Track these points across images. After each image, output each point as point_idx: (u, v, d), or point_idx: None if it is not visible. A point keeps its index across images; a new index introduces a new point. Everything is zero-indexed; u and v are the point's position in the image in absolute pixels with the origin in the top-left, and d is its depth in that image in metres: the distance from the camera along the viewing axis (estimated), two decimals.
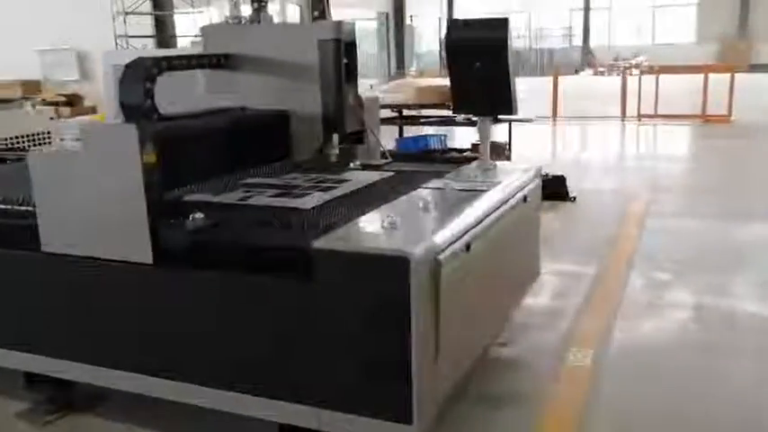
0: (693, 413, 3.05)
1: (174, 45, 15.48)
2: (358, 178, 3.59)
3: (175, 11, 15.91)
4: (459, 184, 3.27)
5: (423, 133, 7.89)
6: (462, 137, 9.05)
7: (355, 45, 3.48)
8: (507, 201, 3.24)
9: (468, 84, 4.32)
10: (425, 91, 6.80)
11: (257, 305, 2.54)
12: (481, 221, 2.87)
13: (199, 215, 2.83)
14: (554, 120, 13.95)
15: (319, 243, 2.38)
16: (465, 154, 7.17)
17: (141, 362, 2.79)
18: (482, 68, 4.20)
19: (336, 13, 4.43)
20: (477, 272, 2.86)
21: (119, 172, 2.62)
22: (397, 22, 30.53)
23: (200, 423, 2.89)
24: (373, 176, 3.67)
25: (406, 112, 7.49)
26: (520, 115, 5.06)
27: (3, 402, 3.19)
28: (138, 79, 3.01)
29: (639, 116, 13.23)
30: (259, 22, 3.61)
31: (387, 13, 30.24)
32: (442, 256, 2.46)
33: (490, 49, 4.15)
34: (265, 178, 3.55)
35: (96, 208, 2.70)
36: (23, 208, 3.01)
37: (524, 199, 3.49)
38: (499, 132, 7.61)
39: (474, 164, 4.02)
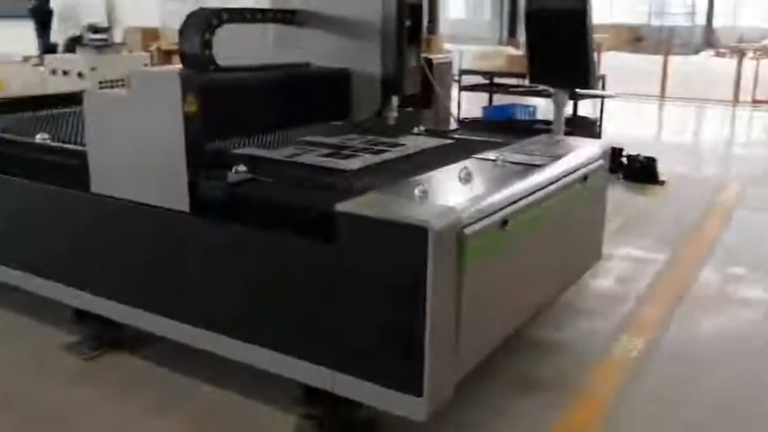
0: (739, 412, 2.87)
1: None
2: (414, 143, 3.53)
3: None
4: (515, 157, 3.14)
5: (525, 103, 7.65)
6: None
7: (421, 7, 3.37)
8: (561, 178, 3.08)
9: (545, 53, 4.16)
10: (516, 60, 6.58)
11: (284, 263, 2.54)
12: (524, 197, 2.75)
13: (242, 168, 2.86)
14: (661, 100, 13.27)
15: (343, 206, 2.34)
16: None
17: (177, 309, 2.86)
18: (559, 38, 4.03)
19: None
20: (516, 250, 2.75)
21: (161, 119, 2.65)
22: None
23: (238, 376, 2.91)
24: (430, 142, 3.59)
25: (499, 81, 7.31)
26: (612, 91, 4.82)
27: (51, 333, 3.35)
28: (196, 30, 3.04)
29: (754, 101, 12.37)
30: None
31: None
32: (469, 230, 2.37)
33: (568, 18, 3.97)
34: (322, 137, 3.55)
35: (139, 153, 2.76)
36: (78, 148, 3.13)
37: (584, 178, 3.31)
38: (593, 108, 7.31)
39: (542, 137, 3.86)
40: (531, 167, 3.01)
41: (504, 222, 2.59)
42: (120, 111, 2.79)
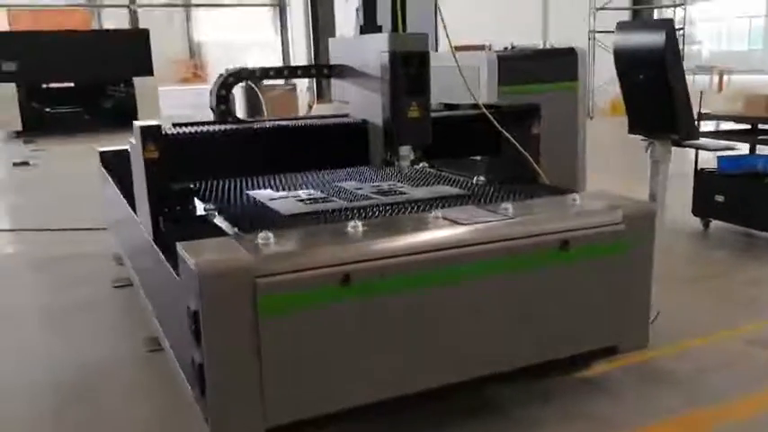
0: None
1: None
2: (418, 194, 3.54)
3: (656, 5, 15.28)
4: (462, 216, 2.92)
5: None
6: None
7: (425, 56, 3.32)
8: (493, 242, 2.77)
9: (636, 98, 3.64)
10: (755, 101, 5.44)
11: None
12: (394, 257, 2.61)
13: (210, 206, 3.31)
14: None
15: (181, 244, 2.56)
16: None
17: None
18: (645, 80, 3.52)
19: None
20: (373, 313, 2.60)
21: (136, 163, 3.24)
22: None
23: None
24: (439, 192, 3.56)
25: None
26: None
27: None
28: (215, 87, 3.56)
29: None
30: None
31: None
32: (263, 281, 2.41)
33: (650, 56, 3.44)
34: (352, 181, 3.87)
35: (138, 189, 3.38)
36: None
37: (564, 243, 2.88)
38: None
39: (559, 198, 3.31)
40: (453, 223, 2.80)
41: (346, 278, 2.52)
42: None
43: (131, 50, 16.04)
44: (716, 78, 21.11)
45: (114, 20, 33.58)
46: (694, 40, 30.58)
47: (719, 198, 5.67)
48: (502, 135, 3.77)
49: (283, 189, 3.78)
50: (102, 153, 5.58)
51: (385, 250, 2.61)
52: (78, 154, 11.39)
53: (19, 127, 14.62)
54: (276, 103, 13.25)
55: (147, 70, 15.94)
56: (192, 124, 3.43)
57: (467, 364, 2.83)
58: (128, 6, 29.46)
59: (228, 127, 3.37)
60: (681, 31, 11.55)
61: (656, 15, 15.44)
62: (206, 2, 32.79)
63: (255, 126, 3.44)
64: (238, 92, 7.30)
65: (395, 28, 3.50)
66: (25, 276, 5.57)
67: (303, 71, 3.81)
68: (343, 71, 3.73)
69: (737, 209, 5.59)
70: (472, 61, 5.02)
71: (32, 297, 4.99)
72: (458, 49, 5.61)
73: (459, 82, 5.04)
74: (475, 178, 3.91)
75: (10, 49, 15.04)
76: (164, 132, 3.14)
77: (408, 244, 2.66)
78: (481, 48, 5.20)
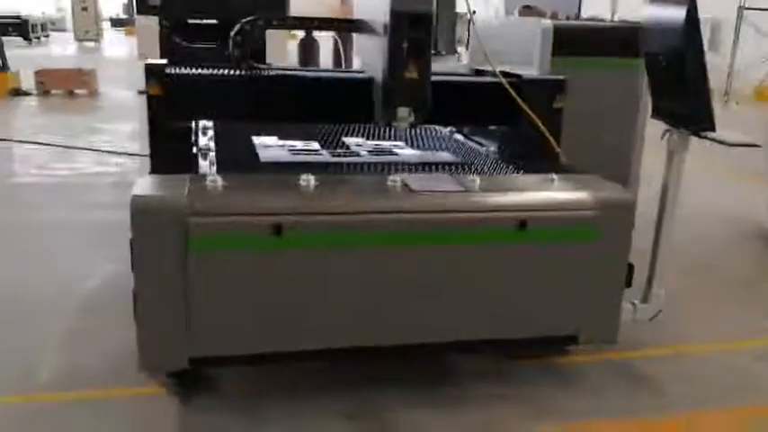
0: None
1: None
2: (402, 157, 3.56)
3: None
4: (420, 182, 2.93)
5: None
6: None
7: (429, 18, 3.24)
8: (448, 212, 2.75)
9: (656, 80, 3.43)
10: None
11: None
12: (335, 214, 2.65)
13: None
14: None
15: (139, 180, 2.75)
16: None
17: None
18: (664, 61, 3.31)
19: None
20: (302, 266, 2.66)
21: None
22: None
23: None
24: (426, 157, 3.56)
25: None
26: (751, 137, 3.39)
27: None
28: (233, 33, 3.68)
29: None
30: None
31: None
32: (194, 219, 2.52)
33: (668, 36, 3.22)
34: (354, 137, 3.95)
35: None
36: None
37: (521, 224, 2.80)
38: None
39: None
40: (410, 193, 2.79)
41: (278, 228, 2.58)
42: None
43: None
44: None
45: None
46: None
47: None
48: (520, 106, 3.65)
49: (291, 138, 3.87)
50: None
51: (320, 206, 2.66)
52: None
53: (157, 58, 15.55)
54: None
55: (282, 10, 16.39)
56: (202, 66, 3.58)
57: (399, 329, 2.84)
58: None
59: (231, 72, 3.48)
60: None
61: None
62: None
63: (260, 74, 3.53)
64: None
65: None
66: None
67: (323, 23, 3.84)
68: (360, 26, 3.73)
69: None
70: (530, 28, 4.85)
71: None
72: (525, 13, 5.45)
73: (512, 49, 4.91)
74: (484, 149, 3.83)
75: None
76: (167, 71, 3.31)
77: (344, 203, 2.69)
78: (544, 14, 4.94)
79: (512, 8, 5.89)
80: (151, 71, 3.27)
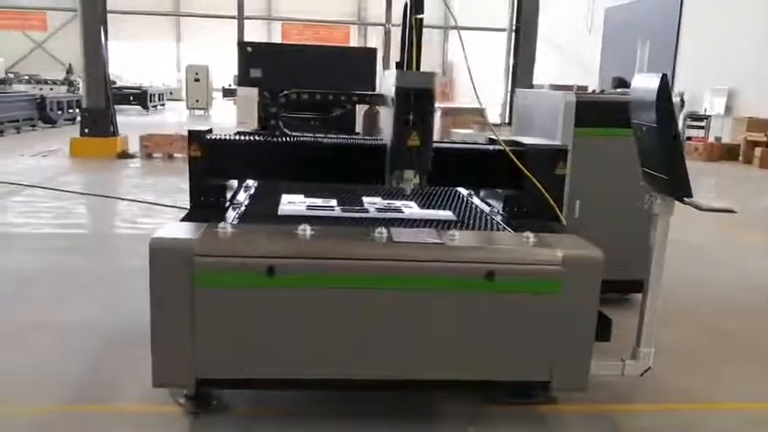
0: None
1: None
2: (407, 214, 3.94)
3: None
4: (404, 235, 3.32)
5: None
6: None
7: (429, 93, 3.64)
8: (419, 261, 3.11)
9: (641, 151, 3.72)
10: None
11: None
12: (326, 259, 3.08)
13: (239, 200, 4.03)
14: None
15: (165, 225, 3.28)
16: None
17: None
18: (645, 131, 3.62)
19: None
20: (291, 304, 3.09)
21: None
22: None
23: None
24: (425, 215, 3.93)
25: None
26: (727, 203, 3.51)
27: None
28: (269, 106, 4.24)
29: None
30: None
31: None
32: (200, 259, 3.01)
33: (647, 108, 3.52)
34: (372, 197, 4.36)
35: None
36: None
37: (489, 275, 3.13)
38: None
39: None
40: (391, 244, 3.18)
41: (271, 269, 3.03)
42: None
43: (359, 67, 17.58)
44: None
45: (377, 36, 36.42)
46: None
47: None
48: (522, 172, 3.98)
49: (316, 196, 4.33)
50: None
51: (308, 251, 3.09)
52: None
53: (255, 126, 16.77)
54: None
55: (371, 86, 17.32)
56: (242, 134, 4.14)
57: (378, 364, 3.19)
58: (383, 24, 31.88)
59: (260, 138, 4.02)
60: None
61: None
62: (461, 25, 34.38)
63: (286, 140, 4.05)
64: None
65: (407, 65, 3.88)
66: None
67: (346, 98, 4.33)
68: (378, 100, 4.21)
69: None
70: (556, 102, 5.19)
71: None
72: (556, 88, 5.81)
73: (543, 120, 5.28)
74: (489, 209, 4.16)
75: (258, 58, 17.31)
76: (207, 137, 3.88)
77: (330, 249, 3.11)
78: (570, 89, 5.27)
79: (607, 79, 6.22)
80: (193, 136, 3.84)
